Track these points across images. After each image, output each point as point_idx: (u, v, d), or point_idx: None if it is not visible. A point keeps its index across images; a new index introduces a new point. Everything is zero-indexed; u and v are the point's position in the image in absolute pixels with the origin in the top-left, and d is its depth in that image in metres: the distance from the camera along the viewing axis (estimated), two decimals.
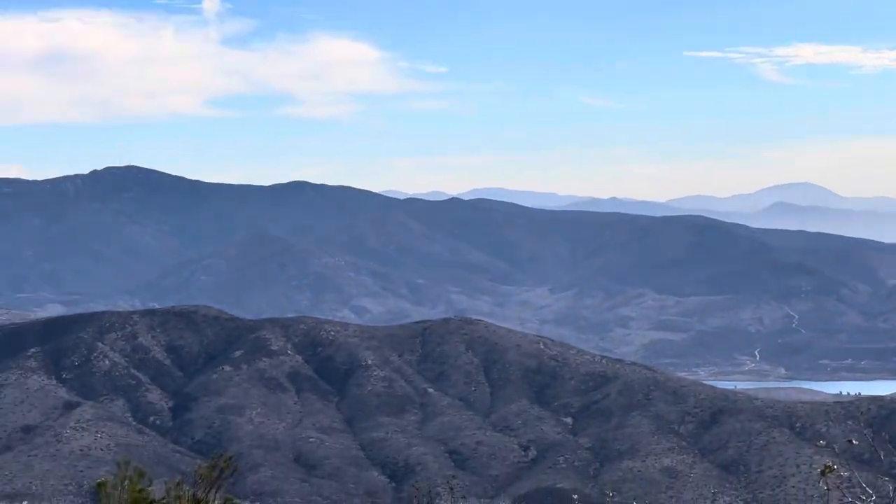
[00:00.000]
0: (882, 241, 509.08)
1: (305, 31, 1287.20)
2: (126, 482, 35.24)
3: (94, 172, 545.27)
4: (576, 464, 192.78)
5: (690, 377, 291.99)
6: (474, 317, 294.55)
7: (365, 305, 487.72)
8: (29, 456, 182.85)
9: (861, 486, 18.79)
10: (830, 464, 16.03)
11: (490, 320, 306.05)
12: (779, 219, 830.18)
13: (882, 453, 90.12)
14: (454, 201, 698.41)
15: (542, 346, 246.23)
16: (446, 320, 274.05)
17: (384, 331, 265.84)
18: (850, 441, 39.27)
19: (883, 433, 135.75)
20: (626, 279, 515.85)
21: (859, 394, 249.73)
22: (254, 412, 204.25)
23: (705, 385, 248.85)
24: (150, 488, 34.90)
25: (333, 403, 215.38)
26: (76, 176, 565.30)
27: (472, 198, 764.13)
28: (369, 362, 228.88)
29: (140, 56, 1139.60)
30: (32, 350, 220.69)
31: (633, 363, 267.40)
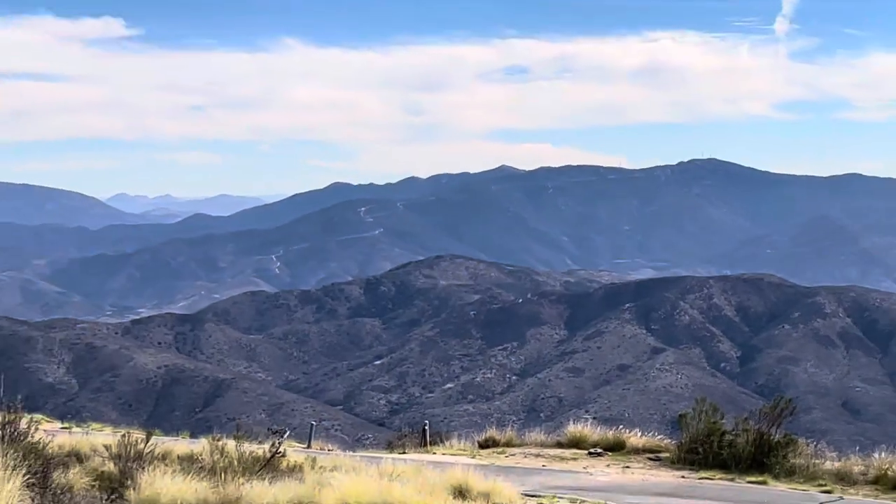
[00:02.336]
0: None
1: (862, 47, 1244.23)
2: (703, 415, 35.21)
3: (680, 163, 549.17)
4: None
5: None
6: None
7: None
8: (623, 389, 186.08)
9: None
10: None
11: None
12: None
13: None
14: None
15: None
16: None
17: None
18: None
19: None
20: None
21: None
22: (808, 363, 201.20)
23: None
24: (722, 421, 34.78)
25: (877, 359, 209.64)
26: (666, 166, 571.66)
27: None
28: None
29: (720, 68, 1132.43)
30: (627, 305, 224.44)
31: None
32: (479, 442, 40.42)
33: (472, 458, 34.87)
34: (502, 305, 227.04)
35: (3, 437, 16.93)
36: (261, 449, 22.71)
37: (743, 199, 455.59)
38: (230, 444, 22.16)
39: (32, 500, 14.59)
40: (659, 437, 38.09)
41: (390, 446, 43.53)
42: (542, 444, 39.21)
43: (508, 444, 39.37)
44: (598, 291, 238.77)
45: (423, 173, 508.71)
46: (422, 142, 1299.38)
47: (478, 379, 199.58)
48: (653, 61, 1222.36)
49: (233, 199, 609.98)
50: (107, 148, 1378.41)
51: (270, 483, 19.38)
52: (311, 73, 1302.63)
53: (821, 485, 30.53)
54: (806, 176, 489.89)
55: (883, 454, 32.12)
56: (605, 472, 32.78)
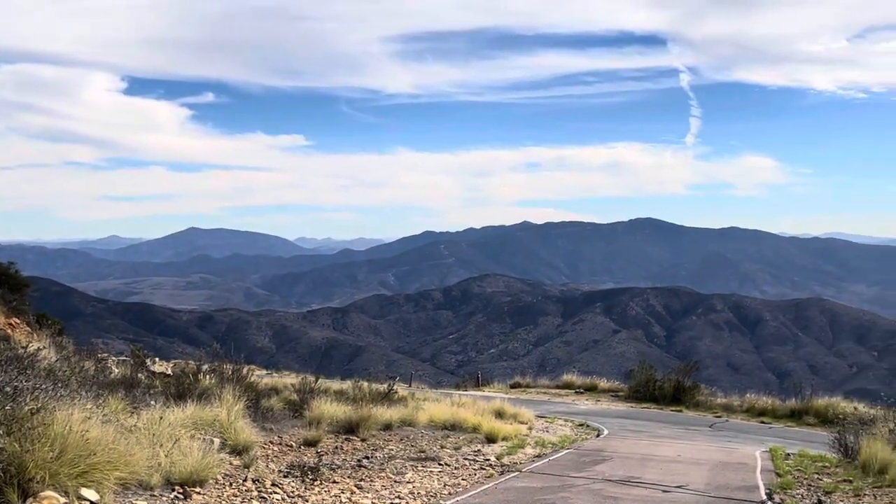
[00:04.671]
0: None
1: (737, 152, 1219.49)
2: (643, 370, 35.01)
3: (630, 220, 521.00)
4: None
5: None
6: None
7: None
8: (595, 354, 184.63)
9: None
10: None
11: None
12: None
13: None
14: None
15: None
16: None
17: None
18: None
19: None
20: None
21: None
22: (707, 339, 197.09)
23: None
24: (654, 373, 34.65)
25: (748, 338, 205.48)
26: (622, 221, 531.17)
27: None
28: None
29: (654, 164, 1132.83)
30: (598, 304, 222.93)
31: None
32: (510, 384, 40.51)
33: (506, 394, 34.94)
34: (524, 304, 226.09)
35: (232, 378, 17.07)
36: (382, 387, 22.81)
37: (668, 242, 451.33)
38: (364, 384, 22.29)
39: (250, 415, 14.73)
40: (617, 383, 38.02)
41: (458, 386, 43.67)
42: (548, 387, 39.28)
43: (528, 386, 39.46)
44: (581, 296, 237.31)
45: (478, 225, 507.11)
46: (477, 207, 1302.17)
47: (509, 347, 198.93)
48: (613, 160, 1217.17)
49: (366, 240, 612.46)
50: (294, 210, 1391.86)
51: (387, 407, 19.46)
52: (413, 167, 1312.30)
53: (715, 412, 30.44)
54: (705, 227, 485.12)
55: (750, 395, 32.38)
56: (585, 403, 32.78)
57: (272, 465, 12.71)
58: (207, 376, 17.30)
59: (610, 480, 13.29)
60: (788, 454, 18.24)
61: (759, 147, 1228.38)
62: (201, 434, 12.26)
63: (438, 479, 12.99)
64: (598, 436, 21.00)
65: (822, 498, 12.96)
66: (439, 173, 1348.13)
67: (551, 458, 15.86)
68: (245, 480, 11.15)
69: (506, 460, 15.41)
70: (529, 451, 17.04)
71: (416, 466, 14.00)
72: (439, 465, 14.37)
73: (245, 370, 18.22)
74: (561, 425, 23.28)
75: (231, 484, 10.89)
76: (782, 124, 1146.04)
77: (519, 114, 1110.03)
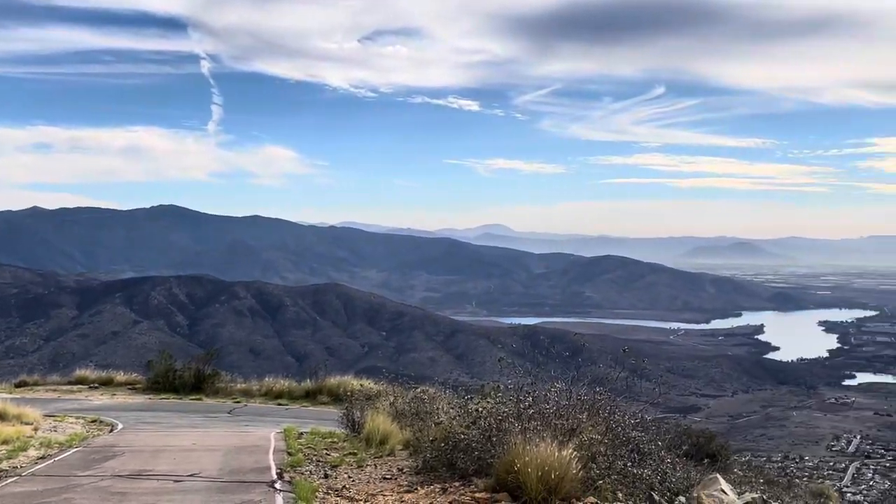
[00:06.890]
0: (533, 252, 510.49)
1: (260, 142, 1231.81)
2: (163, 360, 34.58)
3: (153, 206, 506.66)
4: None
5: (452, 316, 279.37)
6: None
7: None
8: (115, 347, 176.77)
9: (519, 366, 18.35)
10: (503, 356, 16.19)
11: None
12: (487, 241, 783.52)
13: (527, 350, 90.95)
14: None
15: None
16: None
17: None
18: (512, 345, 40.04)
19: (529, 341, 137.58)
20: None
21: (520, 323, 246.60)
22: (230, 326, 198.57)
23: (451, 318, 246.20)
24: (174, 363, 34.44)
25: (269, 323, 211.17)
26: (144, 208, 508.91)
27: None
28: None
29: (176, 150, 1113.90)
30: (118, 294, 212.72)
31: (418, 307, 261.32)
32: (15, 383, 37.57)
33: (10, 394, 32.16)
34: (34, 296, 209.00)
35: None
36: None
37: (191, 230, 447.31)
38: None
39: None
40: (136, 375, 37.09)
41: None
42: (59, 384, 37.24)
43: (35, 384, 37.00)
44: (99, 286, 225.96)
45: None
46: None
47: (17, 343, 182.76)
48: (133, 144, 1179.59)
49: None
50: None
51: None
52: None
53: (234, 398, 31.07)
54: (229, 216, 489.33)
55: (269, 378, 33.60)
56: (100, 398, 31.53)
57: None
58: None
59: (119, 476, 12.88)
60: (301, 433, 19.14)
61: (281, 138, 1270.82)
62: None
63: None
64: (111, 431, 20.22)
65: (329, 472, 13.82)
66: None
67: (57, 459, 14.95)
68: None
69: (4, 465, 14.22)
70: (33, 453, 15.88)
71: None
72: None
73: None
74: (71, 423, 21.98)
75: None
76: (301, 117, 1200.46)
77: (26, 89, 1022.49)
